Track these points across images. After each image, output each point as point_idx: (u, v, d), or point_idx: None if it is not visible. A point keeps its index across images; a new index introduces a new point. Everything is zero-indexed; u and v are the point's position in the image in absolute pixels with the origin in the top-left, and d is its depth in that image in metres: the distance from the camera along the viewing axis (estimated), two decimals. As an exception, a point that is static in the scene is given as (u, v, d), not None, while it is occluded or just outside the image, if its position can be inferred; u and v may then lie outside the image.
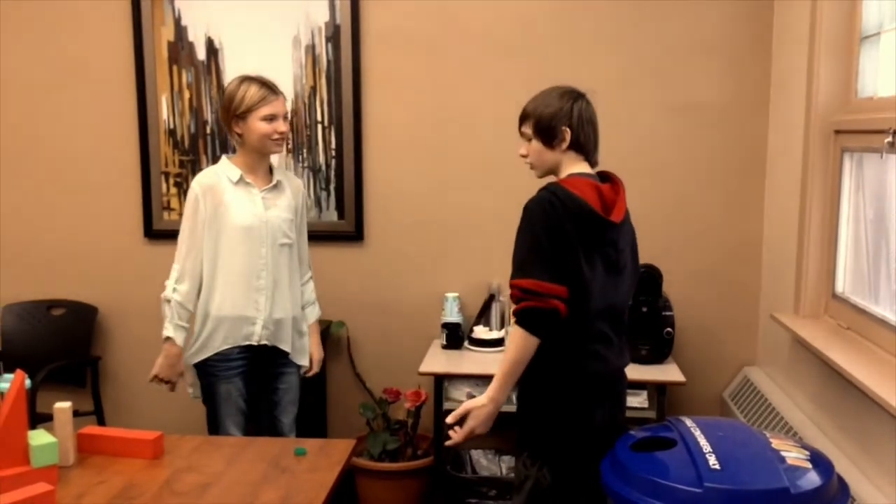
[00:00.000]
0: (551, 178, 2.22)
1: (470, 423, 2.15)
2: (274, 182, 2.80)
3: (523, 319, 2.07)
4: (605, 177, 2.24)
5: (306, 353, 2.92)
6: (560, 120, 2.15)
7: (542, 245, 2.05)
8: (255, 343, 2.76)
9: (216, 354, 2.73)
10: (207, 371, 2.75)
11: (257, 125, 2.68)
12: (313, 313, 2.98)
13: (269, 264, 2.75)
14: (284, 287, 2.79)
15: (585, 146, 2.19)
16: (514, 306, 2.10)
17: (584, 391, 2.15)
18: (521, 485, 2.20)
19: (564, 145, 2.17)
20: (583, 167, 2.20)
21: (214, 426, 2.77)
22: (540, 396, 2.17)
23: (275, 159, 3.31)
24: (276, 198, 2.79)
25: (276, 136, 2.71)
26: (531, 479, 2.17)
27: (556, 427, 2.16)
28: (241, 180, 2.73)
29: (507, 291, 2.19)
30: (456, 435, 2.16)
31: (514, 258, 2.10)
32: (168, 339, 2.72)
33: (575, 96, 2.19)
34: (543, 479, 2.16)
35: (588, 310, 2.10)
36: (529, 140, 2.21)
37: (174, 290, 2.71)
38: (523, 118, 2.22)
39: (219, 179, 2.73)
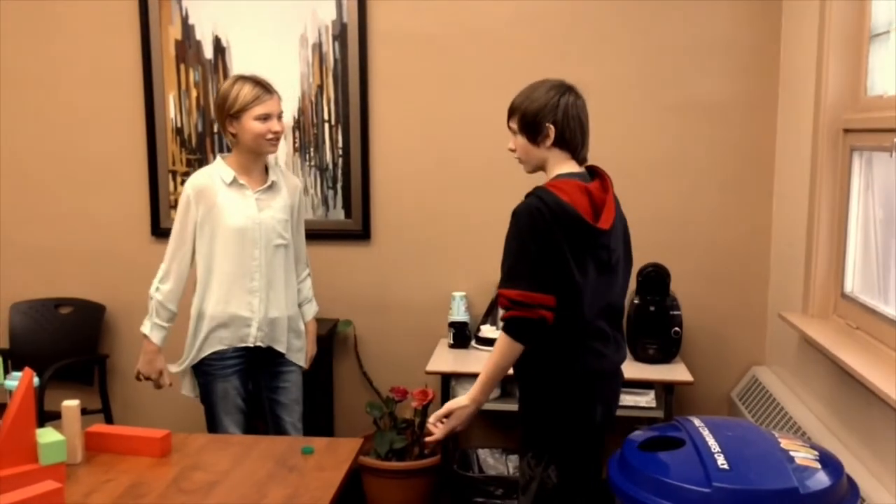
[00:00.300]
0: (541, 174, 2.20)
1: (451, 423, 2.18)
2: (269, 182, 2.78)
3: (510, 328, 2.07)
4: (593, 171, 2.21)
5: (304, 352, 2.92)
6: (545, 116, 2.11)
7: (530, 253, 2.03)
8: (251, 345, 2.75)
9: (212, 354, 2.73)
10: (204, 370, 2.75)
11: (251, 125, 2.66)
12: (310, 310, 2.97)
13: (263, 266, 2.73)
14: (280, 288, 2.78)
15: (571, 142, 2.14)
16: (502, 313, 2.10)
17: (585, 389, 2.15)
18: (527, 485, 2.19)
19: (549, 142, 2.13)
20: (569, 165, 2.16)
21: (213, 425, 2.77)
22: (542, 396, 2.17)
23: (280, 158, 3.31)
24: (271, 199, 2.77)
25: (270, 136, 2.69)
26: (536, 479, 2.17)
27: (560, 426, 2.15)
28: (234, 181, 2.71)
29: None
30: (438, 431, 2.19)
31: (503, 265, 2.09)
32: (146, 336, 2.73)
33: (563, 90, 2.13)
34: (548, 479, 2.15)
35: (583, 312, 2.09)
36: (516, 135, 2.19)
37: (157, 288, 2.72)
38: (511, 112, 2.19)
39: (212, 181, 2.71)
